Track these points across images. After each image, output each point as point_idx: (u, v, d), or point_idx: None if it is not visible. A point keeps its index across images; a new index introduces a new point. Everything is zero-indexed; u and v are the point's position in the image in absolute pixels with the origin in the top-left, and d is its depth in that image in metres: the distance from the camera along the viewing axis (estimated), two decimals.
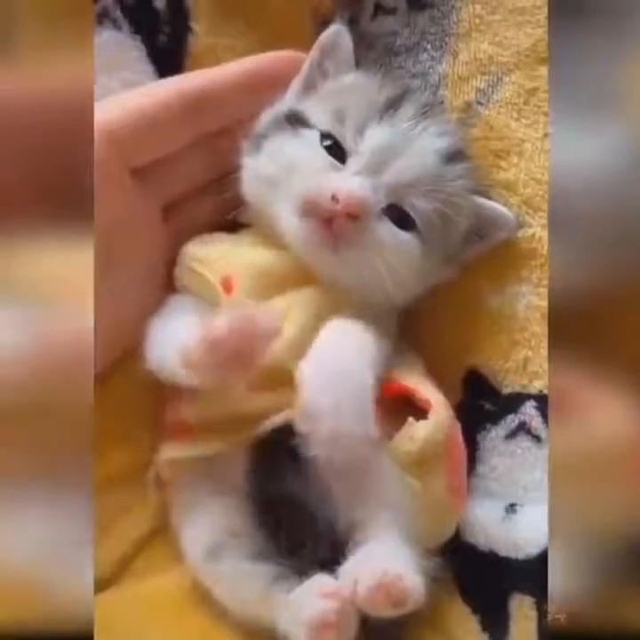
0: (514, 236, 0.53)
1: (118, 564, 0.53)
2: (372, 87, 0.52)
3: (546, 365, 0.52)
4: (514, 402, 0.53)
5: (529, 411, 0.53)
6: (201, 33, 0.58)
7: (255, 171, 0.52)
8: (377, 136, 0.49)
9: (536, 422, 0.52)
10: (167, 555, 0.53)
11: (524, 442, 0.53)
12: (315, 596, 0.44)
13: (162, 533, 0.54)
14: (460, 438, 0.50)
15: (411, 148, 0.49)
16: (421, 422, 0.48)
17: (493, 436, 0.54)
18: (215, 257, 0.52)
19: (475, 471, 0.54)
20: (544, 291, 0.52)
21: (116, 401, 0.53)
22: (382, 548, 0.46)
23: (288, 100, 0.54)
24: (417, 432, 0.47)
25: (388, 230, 0.49)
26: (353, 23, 0.58)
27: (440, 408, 0.49)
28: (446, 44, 0.56)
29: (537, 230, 0.53)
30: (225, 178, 0.53)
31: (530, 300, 0.53)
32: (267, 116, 0.53)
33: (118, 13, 0.57)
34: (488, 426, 0.54)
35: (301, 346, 0.47)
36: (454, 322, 0.56)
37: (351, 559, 0.46)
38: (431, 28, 0.57)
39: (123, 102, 0.51)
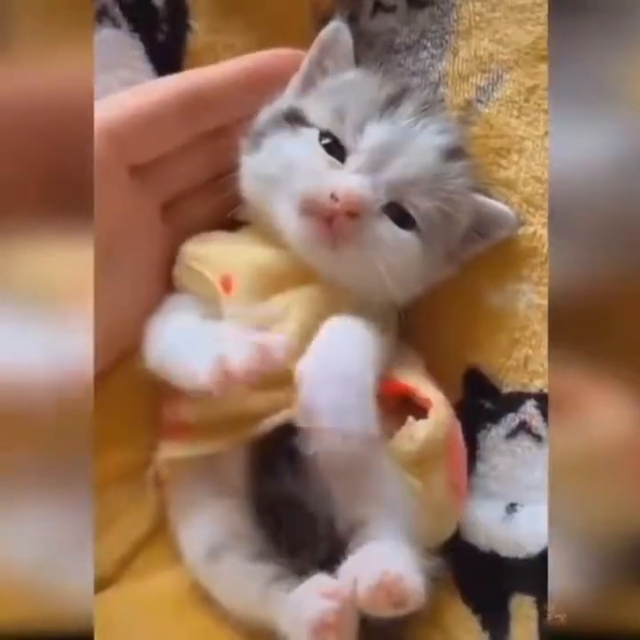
0: (514, 234, 0.53)
1: (118, 564, 0.53)
2: (371, 85, 0.52)
3: (546, 364, 0.52)
4: (514, 401, 0.53)
5: (529, 410, 0.53)
6: (200, 31, 0.58)
7: (254, 169, 0.52)
8: (377, 134, 0.49)
9: (536, 421, 0.52)
10: (167, 554, 0.53)
11: (524, 441, 0.53)
12: (315, 595, 0.44)
13: (161, 533, 0.54)
14: (460, 437, 0.50)
15: (411, 145, 0.49)
16: (421, 422, 0.48)
17: (494, 435, 0.54)
18: (214, 255, 0.52)
19: (475, 470, 0.54)
20: (544, 289, 0.52)
21: (115, 400, 0.53)
22: (382, 547, 0.46)
23: (287, 98, 0.54)
24: (417, 431, 0.47)
25: (387, 228, 0.49)
26: (353, 21, 0.58)
27: (440, 407, 0.49)
28: (446, 41, 0.56)
29: (537, 228, 0.53)
30: (224, 176, 0.53)
31: (530, 299, 0.53)
32: (266, 114, 0.53)
33: (117, 11, 0.56)
34: (488, 425, 0.54)
35: (301, 344, 0.46)
36: (454, 320, 0.56)
37: (351, 559, 0.46)
38: (431, 25, 0.57)
39: (122, 101, 0.51)
